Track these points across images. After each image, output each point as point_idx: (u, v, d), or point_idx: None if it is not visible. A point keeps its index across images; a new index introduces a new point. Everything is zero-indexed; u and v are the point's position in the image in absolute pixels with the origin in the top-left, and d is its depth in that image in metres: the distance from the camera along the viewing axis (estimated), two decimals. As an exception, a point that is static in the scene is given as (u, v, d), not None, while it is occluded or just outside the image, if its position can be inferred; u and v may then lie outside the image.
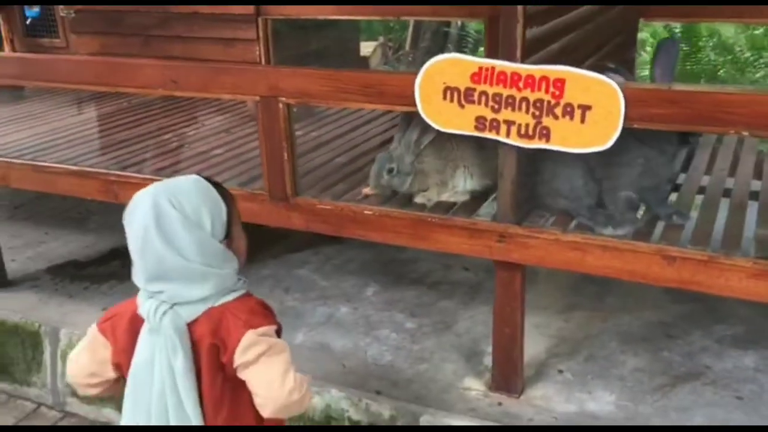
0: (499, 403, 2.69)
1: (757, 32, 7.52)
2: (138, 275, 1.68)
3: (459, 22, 8.19)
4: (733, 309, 3.21)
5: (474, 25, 8.06)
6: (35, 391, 3.41)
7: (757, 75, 7.34)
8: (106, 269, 3.87)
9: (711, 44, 7.61)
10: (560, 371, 2.86)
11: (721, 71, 7.35)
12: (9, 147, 3.53)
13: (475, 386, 2.79)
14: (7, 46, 5.14)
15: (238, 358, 1.65)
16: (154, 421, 1.68)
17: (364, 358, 3.01)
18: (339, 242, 4.02)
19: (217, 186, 1.77)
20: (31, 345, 3.38)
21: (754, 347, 2.95)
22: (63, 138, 3.70)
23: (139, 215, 1.62)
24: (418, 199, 2.70)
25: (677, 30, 7.54)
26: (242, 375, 1.68)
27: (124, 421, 1.75)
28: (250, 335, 1.64)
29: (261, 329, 1.67)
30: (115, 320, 1.74)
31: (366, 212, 2.65)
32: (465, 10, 4.48)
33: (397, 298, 3.46)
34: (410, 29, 8.37)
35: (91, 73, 2.97)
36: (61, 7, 4.66)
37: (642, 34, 8.24)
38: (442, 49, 7.67)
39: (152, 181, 2.93)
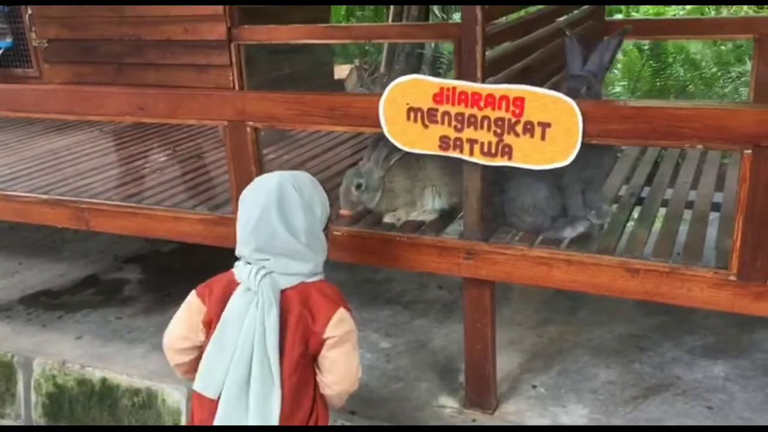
0: (473, 420, 2.70)
1: (723, 47, 7.68)
2: (244, 246, 1.88)
3: (433, 44, 8.28)
4: (704, 320, 3.26)
5: (447, 46, 8.15)
6: (9, 423, 3.37)
7: (726, 90, 7.48)
8: (80, 297, 3.85)
9: (679, 60, 7.75)
10: (534, 386, 2.88)
11: (690, 86, 7.48)
12: (-21, 177, 3.53)
13: (449, 404, 2.80)
14: (-21, 76, 5.13)
15: (331, 331, 1.84)
16: (233, 367, 1.82)
17: (338, 379, 3.00)
18: (314, 264, 4.03)
19: (320, 184, 2.02)
20: (4, 376, 3.35)
21: (723, 357, 2.99)
22: (34, 167, 3.69)
23: (264, 193, 1.86)
24: (387, 219, 2.73)
25: (645, 47, 7.67)
26: (327, 351, 1.87)
27: (205, 361, 1.87)
28: (342, 311, 1.87)
29: (349, 308, 1.91)
30: (213, 285, 1.93)
31: (335, 233, 2.66)
32: (435, 32, 4.57)
33: (371, 318, 3.47)
34: (385, 52, 8.45)
35: (59, 102, 2.98)
36: (34, 37, 4.68)
37: (612, 52, 8.39)
38: (416, 71, 7.75)
39: (123, 207, 2.97)
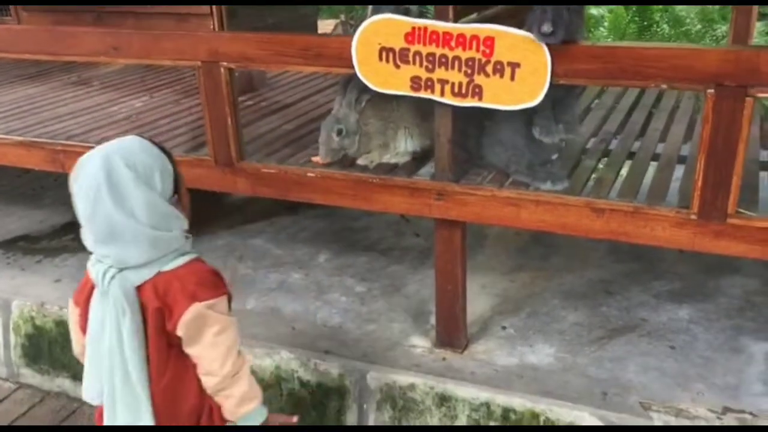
0: (443, 359, 2.77)
1: (708, 6, 7.67)
2: (87, 238, 1.67)
3: None
4: (672, 266, 3.33)
5: (432, 1, 8.07)
6: (-12, 362, 3.42)
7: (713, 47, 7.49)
8: (59, 243, 3.88)
9: (665, 18, 7.74)
10: (503, 327, 2.95)
11: (675, 44, 7.49)
12: (-45, 121, 3.52)
13: (420, 344, 2.87)
14: (-45, 23, 5.07)
15: (182, 330, 1.66)
16: (105, 380, 1.71)
17: (314, 320, 3.07)
18: (294, 212, 4.08)
19: (157, 144, 1.75)
20: (-17, 317, 3.39)
21: (689, 301, 3.07)
22: (11, 111, 3.68)
23: (90, 175, 1.59)
24: (361, 161, 2.75)
25: (631, 5, 7.65)
26: (186, 348, 1.70)
27: (85, 379, 1.76)
28: (195, 308, 1.65)
29: (208, 302, 1.67)
30: (82, 287, 1.77)
31: (309, 174, 2.70)
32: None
33: (348, 264, 3.52)
34: (370, 8, 8.35)
35: (33, 41, 2.96)
36: (11, -17, 4.62)
37: (600, 10, 8.37)
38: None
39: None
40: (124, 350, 1.66)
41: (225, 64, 2.65)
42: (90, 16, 4.43)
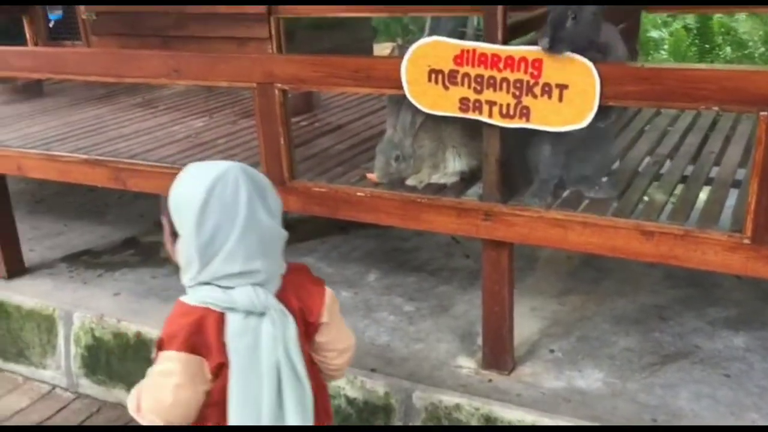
0: (489, 380, 2.75)
1: (771, 28, 7.50)
2: (232, 259, 1.55)
3: (475, 22, 8.25)
4: (728, 293, 3.25)
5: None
6: (50, 374, 3.55)
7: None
8: (120, 258, 4.02)
9: (727, 41, 7.59)
10: (551, 351, 2.92)
11: (725, 65, 7.32)
12: (26, 139, 3.69)
13: (467, 364, 2.86)
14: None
15: (326, 316, 1.72)
16: (264, 405, 1.60)
17: (361, 338, 3.09)
18: (345, 232, 4.13)
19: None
20: (46, 329, 3.53)
21: (745, 328, 2.98)
22: (77, 131, 3.85)
23: (237, 189, 1.53)
24: (410, 182, 2.78)
25: (692, 27, 7.53)
26: (325, 330, 1.74)
27: (233, 415, 1.60)
28: (329, 292, 1.74)
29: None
30: (196, 332, 1.57)
31: (359, 194, 2.74)
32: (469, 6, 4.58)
33: (397, 284, 3.54)
34: (426, 30, 8.45)
35: (99, 64, 3.10)
36: (83, 9, 4.85)
37: (660, 32, 8.25)
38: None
39: (159, 169, 3.09)
40: (292, 357, 1.62)
41: (279, 85, 2.72)
42: (156, 41, 4.64)
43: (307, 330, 1.71)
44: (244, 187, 1.55)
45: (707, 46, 7.61)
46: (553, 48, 2.18)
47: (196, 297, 1.60)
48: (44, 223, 4.52)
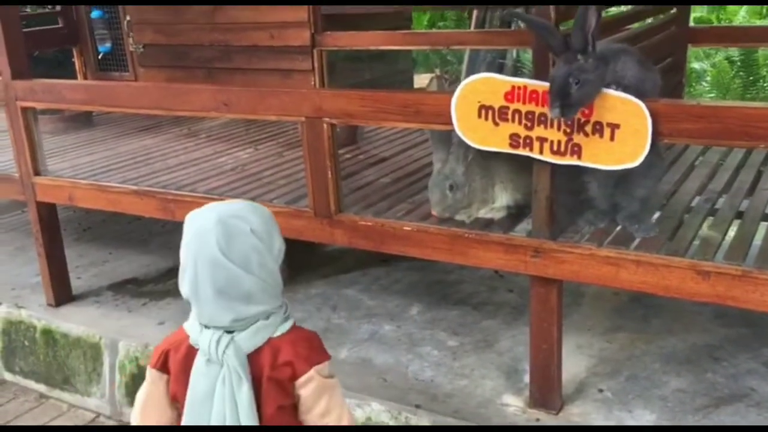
0: (537, 419, 2.70)
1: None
2: (198, 309, 1.61)
3: (514, 53, 8.26)
4: (784, 333, 3.15)
5: (528, 56, 8.12)
6: (95, 402, 3.59)
7: (824, 104, 7.17)
8: (164, 287, 4.05)
9: (772, 73, 7.50)
10: (600, 390, 2.86)
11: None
12: (76, 169, 3.77)
13: (513, 402, 2.81)
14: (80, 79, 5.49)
15: (303, 396, 1.64)
16: None
17: (405, 373, 3.07)
18: (387, 264, 4.12)
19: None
20: (92, 356, 3.57)
21: (802, 371, 2.89)
22: (127, 161, 3.93)
23: (207, 241, 1.56)
24: (459, 216, 2.77)
25: (736, 59, 7.44)
26: (304, 414, 1.66)
27: None
28: (313, 374, 1.62)
29: (321, 366, 1.65)
30: (169, 351, 1.68)
31: (405, 228, 2.74)
32: (514, 38, 4.61)
33: (440, 317, 3.51)
34: (465, 61, 8.48)
35: (150, 97, 3.17)
36: (131, 42, 4.98)
37: (702, 65, 8.18)
38: (496, 80, 7.71)
39: (207, 200, 3.13)
40: (240, 420, 1.60)
41: (327, 119, 2.74)
42: (201, 72, 4.73)
43: (281, 399, 1.64)
44: (212, 239, 1.55)
45: (751, 78, 7.51)
46: (565, 115, 2.20)
47: (188, 321, 1.67)
48: (90, 251, 4.60)
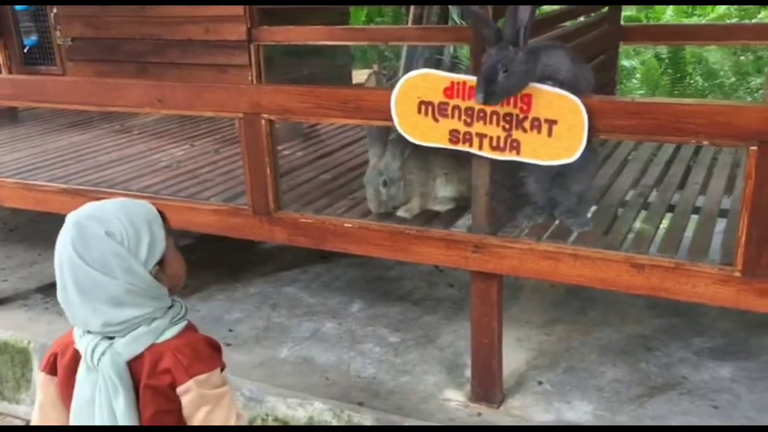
0: (479, 414, 2.72)
1: (743, 58, 7.66)
2: (70, 314, 1.55)
3: (451, 49, 8.32)
4: (713, 323, 3.26)
5: (465, 53, 8.19)
6: (24, 408, 3.44)
7: (747, 100, 7.46)
8: (97, 288, 3.92)
9: (698, 70, 7.74)
10: (540, 382, 2.90)
11: (709, 96, 7.46)
12: (0, 167, 3.61)
13: (455, 397, 2.83)
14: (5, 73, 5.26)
15: (184, 404, 1.57)
16: None
17: (347, 371, 3.05)
18: (327, 261, 4.09)
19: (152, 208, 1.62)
20: (20, 362, 3.42)
21: (731, 359, 2.99)
22: (56, 159, 3.78)
23: (64, 243, 1.50)
24: (400, 213, 2.76)
25: (664, 56, 7.67)
26: (187, 421, 1.59)
27: None
28: (191, 385, 1.54)
29: (202, 377, 1.56)
30: (57, 354, 1.62)
31: (346, 225, 2.71)
32: (452, 35, 4.63)
33: (381, 314, 3.51)
34: (403, 57, 8.50)
35: (81, 93, 3.05)
36: (59, 35, 4.80)
37: (631, 62, 8.39)
38: (434, 76, 7.75)
39: (141, 198, 3.03)
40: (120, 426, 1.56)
41: (266, 116, 2.70)
42: (133, 67, 4.59)
43: (168, 405, 1.57)
44: (68, 241, 1.49)
45: (678, 75, 7.75)
46: (487, 102, 2.22)
47: None
48: (18, 252, 4.42)
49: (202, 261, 4.06)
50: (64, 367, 1.60)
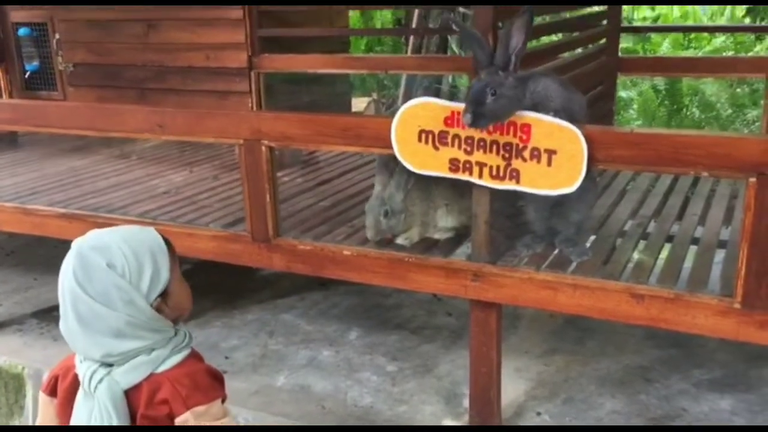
0: (476, 444, 2.70)
1: (739, 90, 7.73)
2: (71, 342, 1.54)
3: (450, 78, 8.39)
4: (712, 354, 3.25)
5: (464, 81, 8.25)
6: (15, 435, 3.41)
7: (744, 132, 7.52)
8: (92, 313, 3.89)
9: (695, 102, 7.81)
10: (538, 413, 2.88)
11: (705, 128, 7.52)
12: (0, 191, 3.60)
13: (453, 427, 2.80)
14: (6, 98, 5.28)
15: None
16: None
17: (344, 399, 3.02)
18: (325, 288, 4.07)
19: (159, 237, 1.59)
20: (14, 388, 3.39)
21: (730, 391, 2.97)
22: (54, 184, 3.78)
23: (65, 273, 1.49)
24: (400, 240, 2.76)
25: (661, 88, 7.74)
26: None
27: None
28: (188, 417, 1.51)
29: (201, 408, 1.52)
30: (58, 377, 1.61)
31: (345, 252, 2.71)
32: (451, 64, 4.68)
33: (379, 342, 3.49)
34: (402, 85, 8.57)
35: (82, 118, 3.06)
36: (60, 61, 4.83)
37: (629, 93, 8.46)
38: (432, 105, 7.80)
39: (140, 223, 3.03)
40: None
41: (266, 142, 2.70)
42: (133, 93, 4.62)
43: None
44: (71, 271, 1.48)
45: (676, 107, 7.82)
46: (475, 124, 2.23)
47: None
48: (13, 276, 4.39)
49: (199, 287, 4.02)
50: (63, 391, 1.59)
